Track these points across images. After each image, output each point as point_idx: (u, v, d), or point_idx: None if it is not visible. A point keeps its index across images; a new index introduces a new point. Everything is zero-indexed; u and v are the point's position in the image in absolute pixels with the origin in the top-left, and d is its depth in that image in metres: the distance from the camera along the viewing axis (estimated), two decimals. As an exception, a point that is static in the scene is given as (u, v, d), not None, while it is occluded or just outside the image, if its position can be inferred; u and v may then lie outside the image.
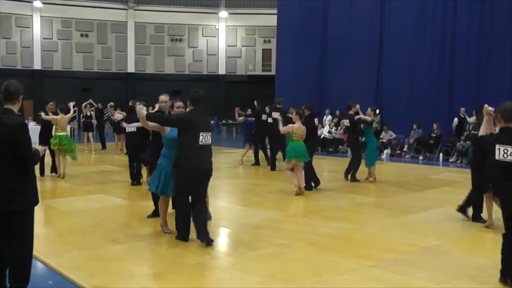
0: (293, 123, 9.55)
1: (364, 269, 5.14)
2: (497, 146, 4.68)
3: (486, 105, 5.18)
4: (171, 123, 6.01)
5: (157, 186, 6.13)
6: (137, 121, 9.48)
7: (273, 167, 12.88)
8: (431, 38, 18.59)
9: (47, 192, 9.51)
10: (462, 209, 7.37)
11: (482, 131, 5.19)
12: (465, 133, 15.44)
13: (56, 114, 11.48)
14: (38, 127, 12.27)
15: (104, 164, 14.28)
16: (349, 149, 18.04)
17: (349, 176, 11.24)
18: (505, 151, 4.61)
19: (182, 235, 6.07)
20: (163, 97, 7.35)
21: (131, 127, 10.09)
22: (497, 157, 4.68)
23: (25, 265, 4.18)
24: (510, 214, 4.64)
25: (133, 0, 34.02)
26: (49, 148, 11.32)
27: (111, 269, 5.13)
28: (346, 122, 11.64)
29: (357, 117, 11.29)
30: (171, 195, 6.24)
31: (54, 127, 11.55)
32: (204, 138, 5.86)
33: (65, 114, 11.47)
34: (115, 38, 34.00)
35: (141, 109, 6.24)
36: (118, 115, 12.94)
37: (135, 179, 10.27)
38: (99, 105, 19.66)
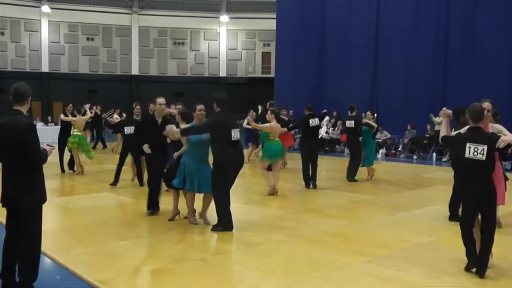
0: (287, 123, 9.51)
1: (360, 265, 5.15)
2: (467, 145, 4.74)
3: (444, 108, 5.23)
4: (206, 129, 6.36)
5: (184, 182, 6.47)
6: (135, 123, 9.73)
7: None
8: (425, 39, 18.55)
9: (55, 191, 9.51)
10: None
11: (442, 132, 5.20)
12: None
13: (74, 115, 11.89)
14: (47, 128, 12.50)
15: (108, 163, 14.25)
16: (347, 149, 18.12)
17: (356, 177, 11.07)
18: (475, 149, 4.70)
19: (228, 226, 6.38)
20: (162, 100, 7.42)
21: (129, 129, 10.02)
22: (466, 155, 4.74)
23: (33, 260, 4.20)
24: (475, 208, 4.80)
25: (137, 5, 34.01)
26: (60, 147, 11.82)
27: (116, 264, 5.13)
28: (350, 123, 11.22)
29: (365, 121, 11.25)
30: (198, 191, 6.56)
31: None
32: (235, 134, 6.38)
33: (82, 115, 11.99)
34: (120, 42, 33.98)
35: (171, 128, 6.37)
36: (116, 117, 13.18)
37: (139, 180, 10.09)
38: (98, 108, 19.79)
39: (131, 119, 10.46)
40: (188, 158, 6.54)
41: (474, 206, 4.83)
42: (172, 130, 6.32)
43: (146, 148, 7.42)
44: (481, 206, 4.80)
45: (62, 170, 11.93)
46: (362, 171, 11.29)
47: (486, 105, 5.44)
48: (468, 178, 4.84)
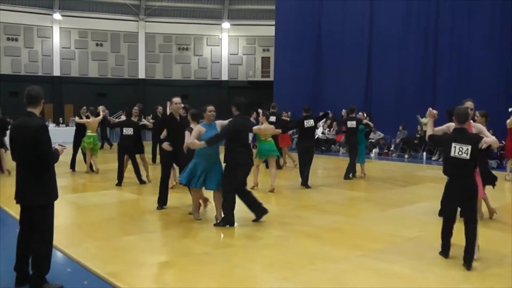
0: (288, 124, 9.56)
1: (355, 258, 5.14)
2: (453, 144, 4.80)
3: (430, 108, 5.30)
4: (228, 134, 6.34)
5: (197, 180, 6.39)
6: (134, 125, 10.01)
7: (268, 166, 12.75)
8: (416, 41, 18.52)
9: (66, 188, 9.51)
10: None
11: (429, 131, 5.28)
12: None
13: (87, 117, 12.06)
14: (58, 129, 12.64)
15: (116, 162, 14.23)
16: (342, 149, 18.14)
17: (351, 175, 11.08)
18: (460, 149, 4.77)
19: (231, 221, 6.42)
20: (178, 99, 7.41)
21: (128, 130, 9.96)
22: (452, 154, 4.81)
23: (46, 254, 4.20)
24: (458, 204, 4.97)
25: (144, 13, 34.00)
26: (75, 147, 11.99)
27: (124, 258, 5.13)
28: (351, 123, 11.20)
29: (365, 121, 11.42)
30: (211, 188, 6.49)
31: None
32: (249, 137, 6.52)
33: (95, 117, 12.16)
34: (127, 47, 33.96)
35: (195, 142, 6.19)
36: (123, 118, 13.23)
37: (138, 178, 10.10)
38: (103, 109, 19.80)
39: (129, 120, 10.23)
40: (199, 158, 6.44)
41: (457, 202, 4.94)
42: (196, 143, 6.17)
43: (167, 146, 7.35)
44: (463, 202, 4.89)
45: (73, 169, 12.03)
46: (357, 169, 11.29)
47: (469, 104, 5.49)
48: (452, 176, 4.93)
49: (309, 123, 10.08)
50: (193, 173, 6.44)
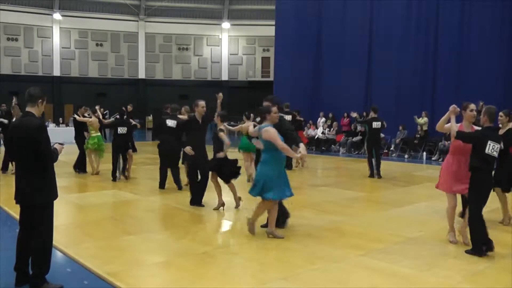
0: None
1: (355, 258, 5.14)
2: (489, 142, 5.06)
3: (454, 106, 5.40)
4: (294, 135, 5.96)
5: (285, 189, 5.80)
6: (126, 124, 10.36)
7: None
8: (415, 41, 18.56)
9: (66, 188, 9.50)
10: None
11: (454, 127, 5.31)
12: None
13: (90, 116, 11.87)
14: (58, 129, 12.42)
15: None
16: (342, 148, 18.15)
17: (374, 173, 11.31)
18: (493, 146, 5.06)
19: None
20: (203, 103, 7.52)
21: (122, 129, 10.27)
22: (486, 151, 5.06)
23: (45, 254, 4.19)
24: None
25: (144, 13, 34.02)
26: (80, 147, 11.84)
27: (124, 257, 5.13)
28: (377, 124, 11.38)
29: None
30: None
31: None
32: None
33: (96, 116, 11.86)
34: (127, 47, 34.00)
35: (304, 149, 5.64)
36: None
37: (115, 175, 10.44)
38: (100, 110, 19.83)
39: (123, 119, 10.56)
40: (266, 166, 5.68)
41: (487, 196, 5.19)
42: (304, 153, 5.58)
43: (189, 150, 7.43)
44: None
45: (83, 170, 11.71)
46: (363, 171, 11.24)
47: (473, 106, 5.53)
48: (483, 171, 5.14)
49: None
50: (278, 184, 5.70)
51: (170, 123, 9.18)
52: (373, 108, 11.62)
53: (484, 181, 5.14)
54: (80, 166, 11.73)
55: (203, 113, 7.53)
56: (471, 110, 5.50)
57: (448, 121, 5.49)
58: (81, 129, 11.78)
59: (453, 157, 5.57)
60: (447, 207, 5.70)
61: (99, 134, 11.63)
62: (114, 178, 10.30)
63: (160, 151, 9.38)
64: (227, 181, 7.37)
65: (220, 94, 7.54)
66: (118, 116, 11.05)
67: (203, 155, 7.53)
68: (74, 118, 12.00)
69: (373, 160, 11.38)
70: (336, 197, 8.90)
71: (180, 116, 9.25)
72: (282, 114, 6.33)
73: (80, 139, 11.74)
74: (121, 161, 10.57)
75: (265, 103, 6.01)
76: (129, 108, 10.98)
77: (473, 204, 5.15)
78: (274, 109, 5.80)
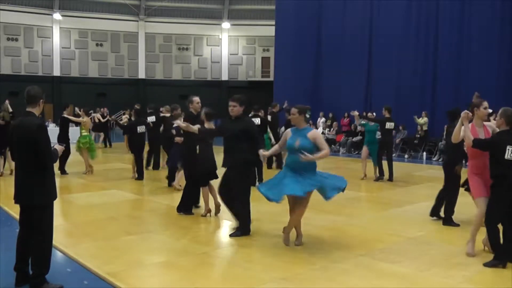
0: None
1: (355, 258, 5.14)
2: (508, 147, 4.72)
3: (467, 111, 5.10)
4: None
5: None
6: (143, 123, 10.61)
7: (269, 165, 12.64)
8: (415, 41, 18.50)
9: (65, 188, 9.51)
10: (435, 211, 6.90)
11: (469, 135, 4.99)
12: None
13: (78, 117, 12.05)
14: (58, 129, 12.27)
15: (116, 162, 14.27)
16: (342, 148, 18.15)
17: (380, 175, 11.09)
18: None
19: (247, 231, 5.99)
20: (197, 98, 7.49)
21: (141, 128, 10.52)
22: (506, 157, 4.72)
23: (45, 254, 4.19)
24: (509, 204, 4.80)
25: (144, 13, 34.01)
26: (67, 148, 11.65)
27: (124, 258, 5.13)
28: (390, 125, 10.99)
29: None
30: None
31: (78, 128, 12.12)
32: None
33: (88, 117, 12.09)
34: (127, 47, 33.98)
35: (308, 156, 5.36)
36: (125, 119, 13.49)
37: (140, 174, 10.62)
38: (105, 110, 19.91)
39: (140, 119, 10.88)
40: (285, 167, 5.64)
41: (507, 205, 4.80)
42: (307, 157, 5.39)
43: (180, 124, 7.43)
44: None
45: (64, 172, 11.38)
46: (369, 172, 11.17)
47: (486, 103, 5.35)
48: (504, 178, 4.77)
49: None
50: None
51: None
52: (387, 108, 11.05)
53: (508, 188, 4.78)
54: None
55: (199, 109, 7.47)
56: (485, 108, 5.23)
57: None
58: (67, 129, 11.58)
59: (472, 162, 5.21)
60: (476, 214, 5.20)
61: (88, 134, 11.82)
62: (141, 176, 10.50)
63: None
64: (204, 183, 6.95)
65: None
66: (131, 117, 11.33)
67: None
68: (64, 117, 11.61)
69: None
70: (336, 197, 8.85)
71: (162, 114, 9.81)
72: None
73: (66, 139, 11.25)
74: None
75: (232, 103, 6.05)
76: (137, 107, 11.30)
77: (497, 214, 4.83)
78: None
